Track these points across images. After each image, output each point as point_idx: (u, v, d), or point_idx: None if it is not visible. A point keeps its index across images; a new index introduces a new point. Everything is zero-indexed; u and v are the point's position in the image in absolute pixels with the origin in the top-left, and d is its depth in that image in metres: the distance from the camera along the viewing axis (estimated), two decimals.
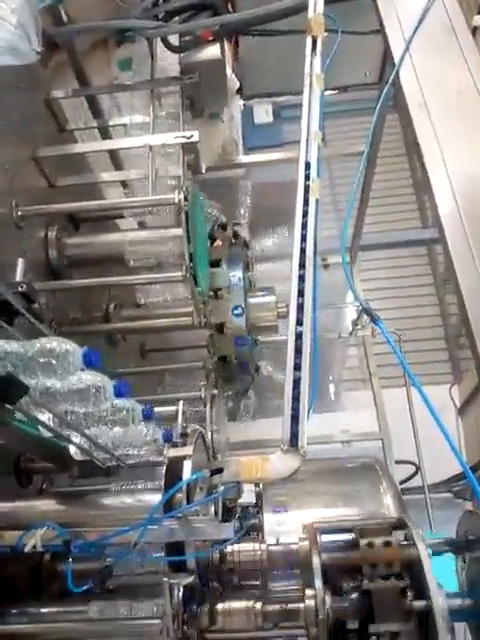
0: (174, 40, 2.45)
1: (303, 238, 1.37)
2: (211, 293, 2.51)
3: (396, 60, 1.76)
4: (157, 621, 1.41)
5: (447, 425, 1.54)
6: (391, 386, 3.99)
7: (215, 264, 2.60)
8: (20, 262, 1.33)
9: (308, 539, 1.37)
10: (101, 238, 2.30)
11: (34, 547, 1.37)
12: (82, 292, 2.38)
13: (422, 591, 1.20)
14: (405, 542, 1.32)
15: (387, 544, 1.28)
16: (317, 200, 1.36)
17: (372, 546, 1.28)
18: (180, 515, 1.32)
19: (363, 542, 1.30)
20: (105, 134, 2.74)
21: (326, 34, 1.66)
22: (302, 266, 1.39)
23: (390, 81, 1.69)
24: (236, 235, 2.91)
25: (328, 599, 1.20)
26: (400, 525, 1.38)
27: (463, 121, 1.71)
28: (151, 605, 1.43)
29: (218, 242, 2.72)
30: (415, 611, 1.20)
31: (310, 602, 1.22)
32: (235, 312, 2.57)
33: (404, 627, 1.16)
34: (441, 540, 1.54)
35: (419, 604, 1.17)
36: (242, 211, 3.12)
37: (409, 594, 1.24)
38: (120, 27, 2.51)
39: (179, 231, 2.09)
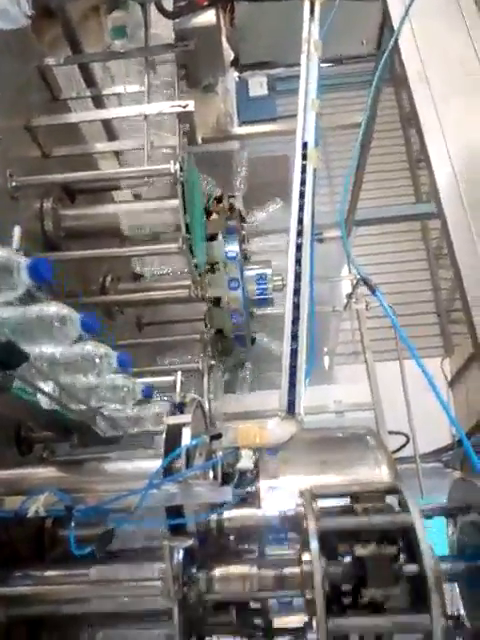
0: (168, 5, 2.40)
1: (301, 208, 1.37)
2: (208, 267, 2.51)
3: (395, 26, 1.73)
4: (158, 583, 1.45)
5: (437, 399, 1.57)
6: (383, 360, 4.05)
7: (212, 238, 2.60)
8: (17, 230, 1.32)
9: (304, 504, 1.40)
10: (97, 209, 2.29)
11: (36, 512, 1.39)
12: (79, 264, 2.37)
13: (414, 556, 1.24)
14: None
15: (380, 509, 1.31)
16: (315, 169, 1.36)
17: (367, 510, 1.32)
18: (180, 479, 1.35)
19: (358, 507, 1.34)
20: (99, 104, 2.70)
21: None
22: (299, 235, 1.39)
23: (389, 47, 1.66)
24: (231, 208, 2.90)
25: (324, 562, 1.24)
26: (393, 490, 1.41)
27: (464, 90, 1.68)
28: (151, 567, 1.46)
29: (214, 216, 2.71)
30: (407, 576, 1.24)
31: (307, 567, 1.25)
32: (232, 285, 2.58)
33: (394, 591, 1.20)
34: (434, 505, 1.59)
35: (411, 568, 1.21)
36: (238, 183, 3.10)
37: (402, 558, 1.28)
38: None
39: (175, 202, 2.08)
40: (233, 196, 3.01)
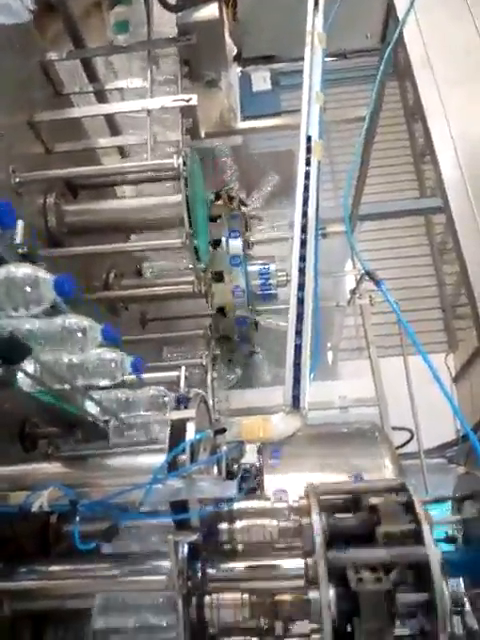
0: None
1: (305, 201, 1.36)
2: (210, 246, 2.51)
3: (400, 16, 1.70)
4: (162, 577, 1.45)
5: (442, 393, 1.56)
6: (386, 355, 4.04)
7: (214, 219, 2.60)
8: (20, 224, 1.32)
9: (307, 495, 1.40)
10: (100, 205, 2.28)
11: (41, 507, 1.39)
12: (82, 260, 2.37)
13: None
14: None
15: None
16: (319, 162, 1.35)
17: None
18: (184, 474, 1.35)
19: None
20: (102, 99, 2.69)
21: None
22: (304, 230, 1.38)
23: (394, 38, 1.64)
24: (231, 198, 2.90)
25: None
26: (399, 488, 1.40)
27: (470, 80, 1.65)
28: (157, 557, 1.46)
29: (219, 202, 2.71)
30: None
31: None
32: (233, 261, 2.58)
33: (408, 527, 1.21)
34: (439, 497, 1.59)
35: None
36: (255, 197, 3.08)
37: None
38: None
39: (178, 197, 2.07)
40: (245, 204, 3.01)
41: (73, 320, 1.25)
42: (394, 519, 1.28)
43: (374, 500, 1.33)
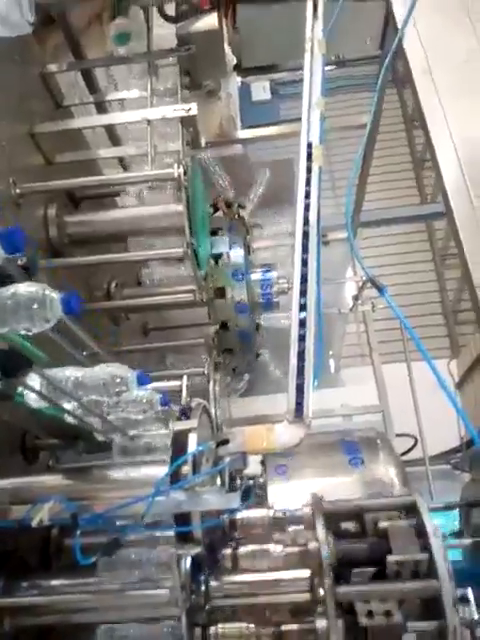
0: (171, 11, 2.40)
1: (306, 208, 1.35)
2: (211, 260, 2.49)
3: (399, 24, 1.71)
4: (165, 591, 1.42)
5: (444, 399, 1.55)
6: (387, 362, 4.02)
7: (214, 233, 2.58)
8: None
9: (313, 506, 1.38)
10: (101, 215, 2.28)
11: (41, 521, 1.37)
12: (84, 271, 2.37)
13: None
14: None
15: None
16: (320, 168, 1.34)
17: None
18: (186, 486, 1.33)
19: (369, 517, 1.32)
20: (102, 111, 2.69)
21: None
22: (305, 236, 1.37)
23: (392, 49, 1.63)
24: (240, 218, 2.88)
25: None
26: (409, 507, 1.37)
27: (470, 87, 1.65)
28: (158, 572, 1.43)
29: (220, 213, 2.69)
30: None
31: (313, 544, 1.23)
32: (236, 277, 2.56)
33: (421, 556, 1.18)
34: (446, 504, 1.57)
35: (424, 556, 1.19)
36: (251, 197, 3.06)
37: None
38: None
39: (179, 207, 2.07)
40: (243, 207, 2.98)
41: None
42: (405, 547, 1.23)
43: (384, 523, 1.29)
